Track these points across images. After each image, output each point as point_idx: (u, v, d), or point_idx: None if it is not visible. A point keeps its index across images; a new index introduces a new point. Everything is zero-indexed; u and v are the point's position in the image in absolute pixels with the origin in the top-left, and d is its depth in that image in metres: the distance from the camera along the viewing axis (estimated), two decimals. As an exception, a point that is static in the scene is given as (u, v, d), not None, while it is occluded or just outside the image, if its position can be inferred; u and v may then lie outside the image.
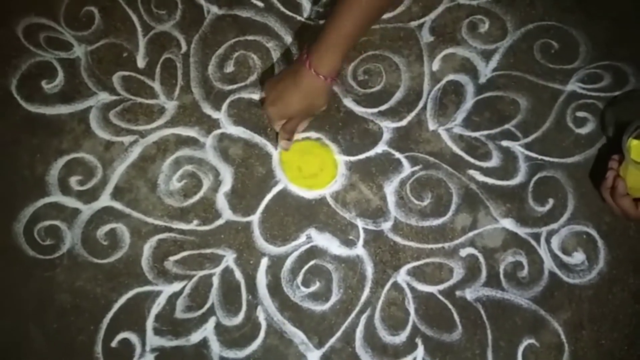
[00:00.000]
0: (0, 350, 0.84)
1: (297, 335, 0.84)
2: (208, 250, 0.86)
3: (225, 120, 0.90)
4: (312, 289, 0.85)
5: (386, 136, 0.89)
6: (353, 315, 0.84)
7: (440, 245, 0.86)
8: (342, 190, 0.88)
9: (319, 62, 0.79)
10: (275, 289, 0.85)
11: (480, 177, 0.88)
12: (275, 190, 0.88)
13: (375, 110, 0.90)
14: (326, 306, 0.85)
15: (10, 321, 0.84)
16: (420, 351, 0.83)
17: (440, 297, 0.85)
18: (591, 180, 0.87)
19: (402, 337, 0.84)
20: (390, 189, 0.87)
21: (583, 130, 0.89)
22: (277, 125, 0.86)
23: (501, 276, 0.85)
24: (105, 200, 0.87)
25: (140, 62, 0.91)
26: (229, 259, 0.86)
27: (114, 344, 0.84)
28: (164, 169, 0.88)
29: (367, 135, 0.89)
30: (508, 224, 0.86)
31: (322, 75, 0.80)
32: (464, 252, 0.86)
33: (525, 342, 0.84)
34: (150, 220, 0.87)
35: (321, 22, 0.92)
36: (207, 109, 0.90)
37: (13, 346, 0.84)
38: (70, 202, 0.87)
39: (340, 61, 0.81)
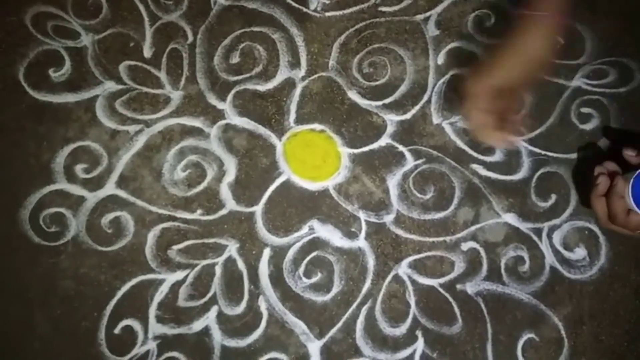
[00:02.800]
0: (5, 336, 0.85)
1: (298, 326, 0.85)
2: (211, 240, 0.86)
3: (230, 110, 0.90)
4: (314, 280, 0.86)
5: (390, 129, 0.89)
6: (354, 306, 0.85)
7: (442, 238, 0.86)
8: (345, 183, 0.88)
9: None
10: (277, 279, 0.86)
11: (483, 172, 0.88)
12: (278, 182, 0.88)
13: (380, 103, 0.90)
14: (327, 297, 0.85)
15: (15, 307, 0.86)
16: (420, 343, 0.84)
17: (441, 290, 0.85)
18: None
19: (402, 329, 0.84)
20: (393, 182, 0.88)
21: (587, 126, 0.89)
22: (481, 106, 0.68)
23: (502, 270, 0.85)
24: (110, 188, 0.88)
25: (147, 52, 0.91)
26: (232, 248, 0.86)
27: (117, 330, 0.85)
28: (169, 158, 0.89)
29: (371, 127, 0.89)
30: (510, 218, 0.87)
31: (546, 12, 0.66)
32: (465, 246, 0.86)
33: (525, 337, 0.84)
34: (154, 209, 0.87)
35: (327, 14, 0.92)
36: (212, 100, 0.90)
37: (17, 331, 0.85)
38: (76, 189, 0.88)
39: None
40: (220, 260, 0.86)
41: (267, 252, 0.86)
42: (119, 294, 0.85)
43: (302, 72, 0.91)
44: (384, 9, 0.92)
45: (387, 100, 0.90)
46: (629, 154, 0.78)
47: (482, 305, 0.85)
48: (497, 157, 0.88)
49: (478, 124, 0.69)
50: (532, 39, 0.66)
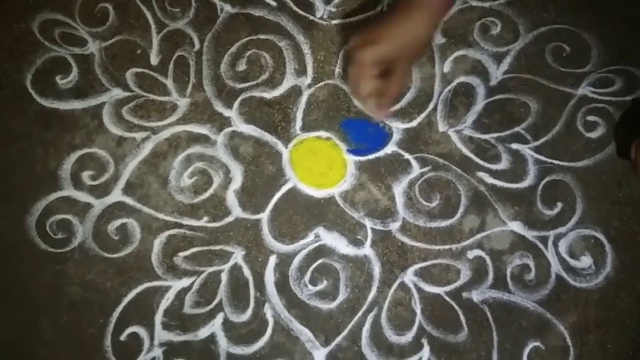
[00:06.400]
0: (11, 342, 0.85)
1: (304, 333, 0.85)
2: (217, 247, 0.87)
3: (236, 118, 0.90)
4: (320, 287, 0.86)
5: (396, 137, 0.89)
6: (360, 314, 0.85)
7: (447, 246, 0.86)
8: (351, 190, 0.88)
9: None
10: (283, 286, 0.86)
11: (489, 180, 0.88)
12: (284, 189, 0.88)
13: (386, 110, 0.90)
14: (333, 305, 0.85)
15: (21, 313, 0.86)
16: (425, 351, 0.84)
17: (447, 298, 0.85)
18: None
19: (408, 337, 0.84)
20: (399, 189, 0.88)
21: (593, 135, 0.89)
22: (368, 75, 0.73)
23: (508, 278, 0.85)
24: (116, 195, 0.88)
25: (154, 59, 0.92)
26: (238, 256, 0.86)
27: (122, 337, 0.85)
28: (175, 165, 0.89)
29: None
30: (516, 226, 0.87)
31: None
32: (471, 254, 0.86)
33: (531, 345, 0.84)
34: (160, 216, 0.87)
35: (334, 22, 0.92)
36: (219, 107, 0.90)
37: (23, 338, 0.85)
38: (83, 196, 0.88)
39: None
40: (226, 267, 0.86)
41: (273, 260, 0.86)
42: (125, 300, 0.85)
43: (308, 79, 0.91)
44: (390, 16, 0.92)
45: (393, 108, 0.90)
46: None
47: (488, 314, 0.85)
48: (503, 165, 0.88)
49: (365, 92, 0.74)
50: (419, 19, 0.71)
